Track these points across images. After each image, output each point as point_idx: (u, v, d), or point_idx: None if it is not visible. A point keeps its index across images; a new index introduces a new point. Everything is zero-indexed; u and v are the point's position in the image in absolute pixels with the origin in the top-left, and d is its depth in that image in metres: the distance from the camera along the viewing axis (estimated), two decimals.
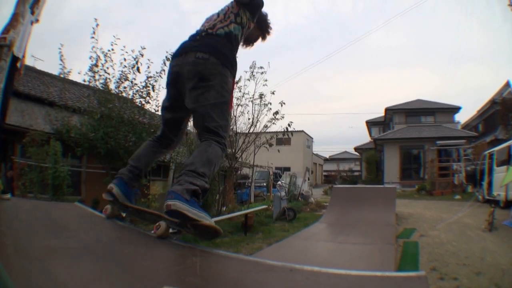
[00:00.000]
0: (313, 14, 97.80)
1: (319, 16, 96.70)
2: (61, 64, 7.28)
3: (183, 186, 1.45)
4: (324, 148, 66.79)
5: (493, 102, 19.75)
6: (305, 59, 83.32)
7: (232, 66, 1.79)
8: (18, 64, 2.16)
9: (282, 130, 8.83)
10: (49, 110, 7.50)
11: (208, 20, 1.93)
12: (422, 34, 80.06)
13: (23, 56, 2.22)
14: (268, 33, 2.19)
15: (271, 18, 2.16)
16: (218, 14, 1.91)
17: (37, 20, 2.27)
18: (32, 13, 2.18)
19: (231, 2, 1.90)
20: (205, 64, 1.67)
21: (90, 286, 1.09)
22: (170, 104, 1.90)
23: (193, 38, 1.83)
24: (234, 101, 8.64)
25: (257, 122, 8.82)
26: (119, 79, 7.33)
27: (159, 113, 7.94)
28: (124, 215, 1.98)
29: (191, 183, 1.48)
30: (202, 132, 1.68)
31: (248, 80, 8.68)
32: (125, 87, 7.43)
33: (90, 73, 7.16)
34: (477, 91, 65.66)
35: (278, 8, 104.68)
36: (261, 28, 2.14)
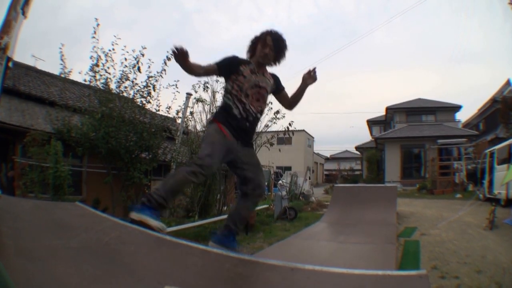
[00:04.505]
0: (316, 13, 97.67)
1: (322, 15, 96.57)
2: (61, 64, 7.27)
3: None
4: (325, 147, 66.55)
5: (494, 101, 19.69)
6: (306, 58, 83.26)
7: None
8: (10, 64, 2.18)
9: (283, 129, 8.80)
10: (49, 109, 7.48)
11: None
12: (423, 33, 79.90)
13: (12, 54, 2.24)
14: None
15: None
16: None
17: (25, 17, 2.27)
18: (24, 14, 2.18)
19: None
20: None
21: (90, 286, 1.09)
22: None
23: None
24: None
25: None
26: (120, 79, 7.32)
27: (160, 112, 7.96)
28: None
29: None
30: None
31: None
32: (126, 87, 7.42)
33: (91, 73, 7.15)
34: (478, 89, 65.50)
35: (281, 8, 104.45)
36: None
